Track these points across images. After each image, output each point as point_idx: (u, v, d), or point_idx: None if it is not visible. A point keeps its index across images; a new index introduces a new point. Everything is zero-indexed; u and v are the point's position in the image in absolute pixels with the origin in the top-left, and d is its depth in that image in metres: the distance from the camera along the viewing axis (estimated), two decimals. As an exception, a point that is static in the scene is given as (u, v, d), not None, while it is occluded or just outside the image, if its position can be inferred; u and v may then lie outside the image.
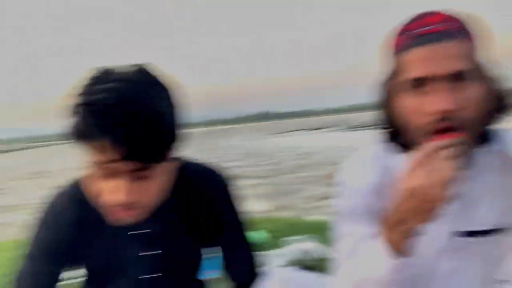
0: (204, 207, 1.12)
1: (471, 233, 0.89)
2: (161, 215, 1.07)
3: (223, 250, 1.17)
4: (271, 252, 3.30)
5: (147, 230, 1.08)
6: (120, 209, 0.94)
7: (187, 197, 1.11)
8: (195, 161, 1.17)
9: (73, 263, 1.10)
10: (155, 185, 0.96)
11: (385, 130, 0.94)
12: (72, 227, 1.05)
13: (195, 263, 1.14)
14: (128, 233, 1.07)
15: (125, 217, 0.96)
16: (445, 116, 0.79)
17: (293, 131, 46.98)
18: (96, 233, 1.07)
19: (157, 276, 1.10)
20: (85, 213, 1.06)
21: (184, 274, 1.15)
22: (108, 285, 1.12)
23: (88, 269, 1.12)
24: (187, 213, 1.11)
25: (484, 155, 0.89)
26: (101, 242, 1.07)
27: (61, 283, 1.10)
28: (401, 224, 0.80)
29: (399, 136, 0.90)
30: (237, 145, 28.36)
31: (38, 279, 1.05)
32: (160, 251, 1.10)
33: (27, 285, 1.04)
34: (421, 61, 0.80)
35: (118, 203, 0.92)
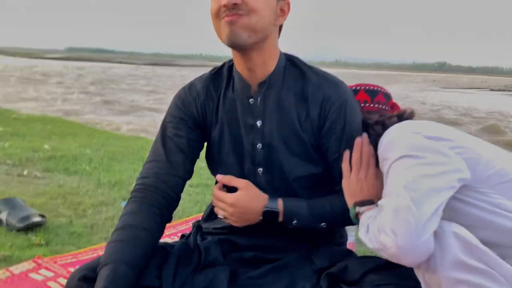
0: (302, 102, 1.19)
1: None
2: (266, 89, 1.19)
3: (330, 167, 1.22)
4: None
5: (252, 100, 1.19)
6: (228, 14, 1.05)
7: (291, 83, 1.20)
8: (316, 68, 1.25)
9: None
10: (264, 4, 1.08)
11: None
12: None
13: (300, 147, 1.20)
14: (246, 100, 1.20)
15: (230, 26, 1.06)
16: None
17: (470, 88, 42.41)
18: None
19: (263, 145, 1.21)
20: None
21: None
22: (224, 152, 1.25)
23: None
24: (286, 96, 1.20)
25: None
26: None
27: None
28: None
29: None
30: (403, 94, 26.70)
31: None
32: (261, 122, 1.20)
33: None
34: None
35: (228, 2, 1.04)
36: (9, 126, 5.60)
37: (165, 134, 1.22)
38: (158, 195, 1.16)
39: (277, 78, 1.19)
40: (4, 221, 2.27)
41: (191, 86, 1.27)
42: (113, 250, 1.04)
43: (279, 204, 1.18)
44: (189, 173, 1.24)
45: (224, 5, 1.05)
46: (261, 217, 1.17)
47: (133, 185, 3.46)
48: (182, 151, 1.20)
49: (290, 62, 1.23)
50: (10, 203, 2.37)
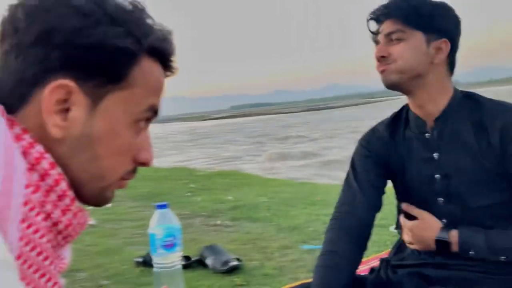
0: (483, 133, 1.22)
1: None
2: (441, 123, 1.27)
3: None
4: None
5: (428, 134, 1.29)
6: (378, 66, 1.26)
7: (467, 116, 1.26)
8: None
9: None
10: (408, 50, 1.23)
11: None
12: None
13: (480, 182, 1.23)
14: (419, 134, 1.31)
15: (382, 75, 1.26)
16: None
17: None
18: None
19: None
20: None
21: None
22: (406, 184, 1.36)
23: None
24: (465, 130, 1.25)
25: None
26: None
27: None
28: None
29: None
30: None
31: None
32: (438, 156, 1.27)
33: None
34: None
35: (376, 56, 1.26)
36: (197, 183, 6.45)
37: (355, 170, 1.40)
38: (353, 221, 1.32)
39: (452, 111, 1.27)
40: (210, 265, 2.66)
41: (374, 129, 1.43)
42: (321, 275, 1.24)
43: (452, 234, 1.22)
44: (378, 205, 1.37)
45: (376, 58, 1.27)
46: (435, 245, 1.25)
47: (310, 228, 3.66)
48: (372, 184, 1.36)
49: (464, 95, 1.30)
50: (212, 249, 2.77)
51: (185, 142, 24.35)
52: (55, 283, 0.55)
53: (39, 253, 0.53)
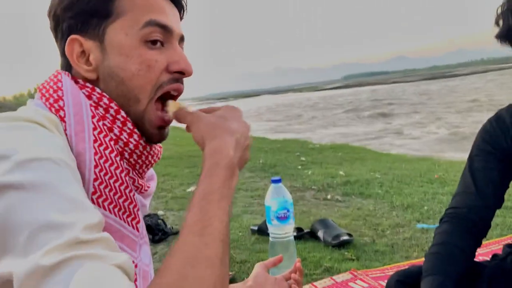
0: None
1: None
2: None
3: None
4: None
5: None
6: None
7: None
8: None
9: None
10: None
11: None
12: None
13: None
14: None
15: None
16: None
17: None
18: None
19: None
20: None
21: None
22: None
23: None
24: None
25: None
26: None
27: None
28: None
29: None
30: None
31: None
32: None
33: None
34: None
35: None
36: (308, 156, 6.56)
37: (473, 167, 1.28)
38: (469, 224, 1.24)
39: None
40: (322, 238, 2.76)
41: (498, 118, 1.29)
42: (434, 262, 1.19)
43: None
44: (500, 202, 1.27)
45: None
46: None
47: (425, 207, 3.54)
48: (492, 182, 1.25)
49: None
50: (324, 223, 2.86)
51: (297, 114, 24.55)
52: (126, 187, 0.71)
53: (111, 164, 0.69)
